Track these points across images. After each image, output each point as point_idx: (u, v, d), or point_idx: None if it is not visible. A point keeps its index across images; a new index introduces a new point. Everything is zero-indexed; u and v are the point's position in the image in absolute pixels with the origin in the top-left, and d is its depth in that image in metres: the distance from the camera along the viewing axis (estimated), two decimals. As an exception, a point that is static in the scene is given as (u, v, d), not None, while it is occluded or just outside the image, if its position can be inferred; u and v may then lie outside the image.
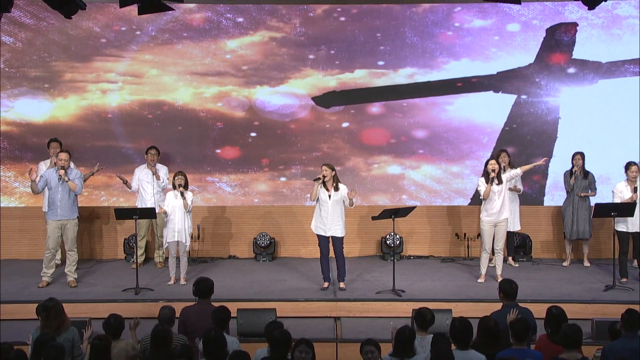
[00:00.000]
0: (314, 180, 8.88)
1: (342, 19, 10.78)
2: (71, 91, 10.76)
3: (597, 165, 10.10)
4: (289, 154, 10.85)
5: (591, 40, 10.69)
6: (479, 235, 10.15)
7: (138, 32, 10.71)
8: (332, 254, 8.98)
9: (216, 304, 6.68)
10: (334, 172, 8.80)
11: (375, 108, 10.84)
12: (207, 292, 6.90)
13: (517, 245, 10.35)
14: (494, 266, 9.26)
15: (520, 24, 10.73)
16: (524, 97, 10.75)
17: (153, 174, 9.94)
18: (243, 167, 10.87)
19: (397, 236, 10.38)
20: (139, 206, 9.83)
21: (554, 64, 10.72)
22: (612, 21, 10.64)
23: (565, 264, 10.16)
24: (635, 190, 9.13)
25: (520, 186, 10.09)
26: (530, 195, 10.65)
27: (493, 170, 8.96)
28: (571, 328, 5.60)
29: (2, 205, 10.67)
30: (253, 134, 10.84)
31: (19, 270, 9.83)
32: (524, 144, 10.74)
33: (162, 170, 10.09)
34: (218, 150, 10.86)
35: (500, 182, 8.99)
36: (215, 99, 10.81)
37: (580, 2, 8.69)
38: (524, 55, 10.71)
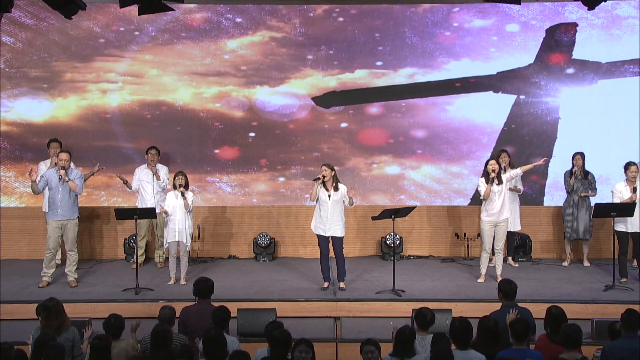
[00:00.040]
0: (314, 180, 8.89)
1: (342, 19, 10.78)
2: (71, 91, 10.77)
3: (596, 166, 10.10)
4: (289, 154, 10.86)
5: (591, 40, 10.70)
6: (478, 235, 10.17)
7: (138, 33, 10.72)
8: (332, 254, 8.99)
9: (216, 304, 6.68)
10: (333, 172, 8.81)
11: (375, 108, 10.85)
12: (207, 292, 6.91)
13: (517, 245, 10.36)
14: (494, 266, 9.26)
15: (520, 24, 10.73)
16: (523, 97, 10.75)
17: (153, 174, 9.95)
18: (243, 167, 10.88)
19: (397, 236, 10.39)
20: (139, 206, 9.83)
21: (554, 64, 10.72)
22: (612, 21, 10.65)
23: (565, 264, 10.16)
24: (634, 190, 9.14)
25: (520, 186, 10.09)
26: (530, 195, 10.66)
27: (493, 171, 8.97)
28: (571, 328, 5.60)
29: (2, 205, 10.67)
30: (253, 134, 10.85)
31: (19, 270, 9.84)
32: (523, 144, 10.74)
33: (162, 170, 10.10)
34: (218, 151, 10.87)
35: (500, 182, 9.00)
36: (215, 99, 10.82)
37: (580, 2, 8.71)
38: (523, 55, 10.72)
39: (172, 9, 8.92)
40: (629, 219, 9.06)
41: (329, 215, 8.79)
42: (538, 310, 7.02)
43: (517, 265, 10.18)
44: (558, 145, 10.72)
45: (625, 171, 9.29)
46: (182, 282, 9.16)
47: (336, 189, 8.82)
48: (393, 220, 8.84)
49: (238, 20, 10.77)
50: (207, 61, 10.78)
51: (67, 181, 8.87)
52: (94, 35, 10.73)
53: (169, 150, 10.67)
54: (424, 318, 6.16)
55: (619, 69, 10.65)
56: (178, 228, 9.09)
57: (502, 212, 9.06)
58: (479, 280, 9.26)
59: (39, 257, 9.70)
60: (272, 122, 10.84)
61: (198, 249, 10.66)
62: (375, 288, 8.91)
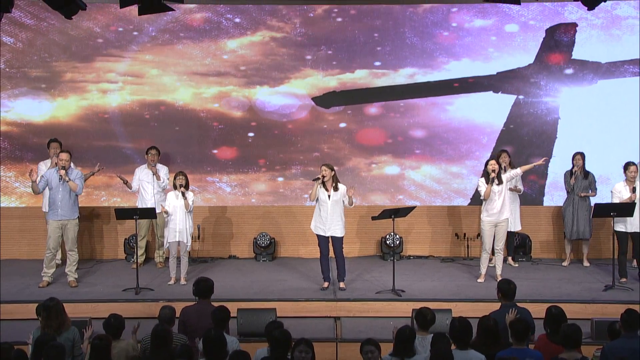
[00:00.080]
0: (313, 180, 8.89)
1: (343, 19, 10.79)
2: (71, 91, 10.78)
3: (596, 166, 10.11)
4: (289, 154, 10.87)
5: (591, 40, 10.71)
6: (478, 235, 10.18)
7: (138, 33, 10.73)
8: (331, 253, 8.99)
9: (216, 304, 6.69)
10: (333, 172, 8.81)
11: (375, 108, 10.85)
12: (207, 292, 6.91)
13: (517, 245, 10.36)
14: (494, 266, 9.27)
15: (519, 24, 10.74)
16: (523, 97, 10.76)
17: (153, 174, 9.96)
18: (243, 167, 10.88)
19: (397, 236, 10.40)
20: (140, 206, 9.84)
21: (554, 65, 10.73)
22: (612, 22, 10.66)
23: (564, 264, 10.17)
24: (633, 190, 9.14)
25: (520, 186, 10.10)
26: (529, 195, 10.66)
27: (493, 171, 8.98)
28: (571, 328, 5.60)
29: (2, 205, 10.68)
30: (253, 134, 10.85)
31: (19, 270, 9.84)
32: (523, 144, 10.74)
33: (163, 170, 10.10)
34: (218, 151, 10.87)
35: (500, 182, 9.00)
36: (215, 99, 10.82)
37: (579, 2, 8.72)
38: (523, 55, 10.72)
39: (172, 9, 8.94)
40: (628, 219, 9.06)
41: (329, 215, 8.80)
42: (538, 310, 7.03)
43: (517, 265, 10.18)
44: (558, 145, 10.73)
45: (625, 171, 9.29)
46: (182, 282, 9.16)
47: (336, 189, 8.82)
48: (393, 220, 8.84)
49: (238, 20, 10.78)
50: (207, 61, 10.79)
51: (67, 181, 8.87)
52: (94, 36, 10.73)
53: (169, 150, 10.68)
54: (424, 318, 6.17)
55: (618, 69, 10.65)
56: (178, 228, 9.09)
57: (502, 212, 9.06)
58: (479, 280, 9.27)
59: (39, 257, 9.70)
60: (272, 122, 10.84)
61: (198, 249, 10.67)
62: (375, 288, 8.92)
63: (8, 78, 10.69)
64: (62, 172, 8.85)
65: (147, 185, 9.97)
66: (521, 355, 5.44)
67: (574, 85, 10.71)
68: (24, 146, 10.77)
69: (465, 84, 10.74)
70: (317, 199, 8.86)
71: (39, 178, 8.88)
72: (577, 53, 10.71)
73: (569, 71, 10.71)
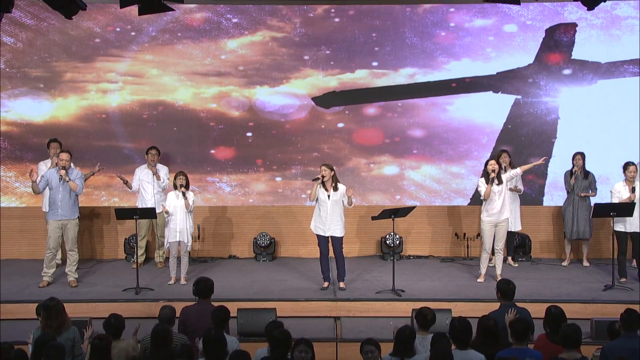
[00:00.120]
0: (313, 180, 8.89)
1: (343, 19, 10.79)
2: (71, 91, 10.78)
3: (596, 166, 10.11)
4: (289, 154, 10.87)
5: (590, 40, 10.71)
6: (478, 235, 10.18)
7: (138, 33, 10.73)
8: (331, 253, 9.00)
9: (216, 304, 6.69)
10: (333, 172, 8.81)
11: (375, 108, 10.85)
12: (207, 292, 6.92)
13: (517, 245, 10.37)
14: (494, 266, 9.28)
15: (519, 24, 10.74)
16: (521, 97, 10.76)
17: (153, 174, 9.96)
18: (243, 167, 10.89)
19: (397, 236, 10.40)
20: (140, 206, 9.84)
21: (553, 65, 10.74)
22: (611, 22, 10.66)
23: (564, 263, 10.17)
24: (633, 190, 9.15)
25: (520, 186, 10.10)
26: (529, 195, 10.67)
27: (493, 171, 8.98)
28: (570, 328, 5.60)
29: (2, 205, 10.69)
30: (253, 134, 10.86)
31: (19, 270, 9.84)
32: (523, 144, 10.75)
33: (163, 170, 10.11)
34: (218, 151, 10.87)
35: (500, 182, 9.00)
36: (215, 99, 10.83)
37: (579, 2, 8.73)
38: (523, 55, 10.73)
39: (172, 9, 8.95)
40: (627, 219, 9.06)
41: (329, 215, 8.80)
42: (538, 310, 7.03)
43: (516, 265, 10.19)
44: (557, 145, 10.73)
45: (624, 171, 9.30)
46: (183, 282, 9.17)
47: (335, 189, 8.82)
48: (393, 220, 8.85)
49: (238, 20, 10.78)
50: (207, 61, 10.79)
51: (67, 181, 8.88)
52: (94, 36, 10.74)
53: (169, 150, 10.68)
54: (424, 318, 6.17)
55: (618, 69, 10.66)
56: (179, 228, 9.10)
57: (502, 212, 9.07)
58: (479, 280, 9.27)
59: (39, 257, 9.71)
60: (272, 122, 10.85)
61: (198, 248, 10.67)
62: (375, 288, 8.92)
63: (8, 78, 10.70)
64: (62, 172, 8.86)
65: (147, 185, 9.97)
66: (521, 355, 5.45)
67: (573, 86, 10.72)
68: (24, 146, 10.78)
69: (465, 84, 10.74)
70: (317, 199, 8.86)
71: (39, 178, 8.89)
72: (577, 53, 10.71)
73: (568, 71, 10.71)
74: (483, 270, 9.29)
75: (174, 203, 9.10)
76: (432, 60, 10.76)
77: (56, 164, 9.12)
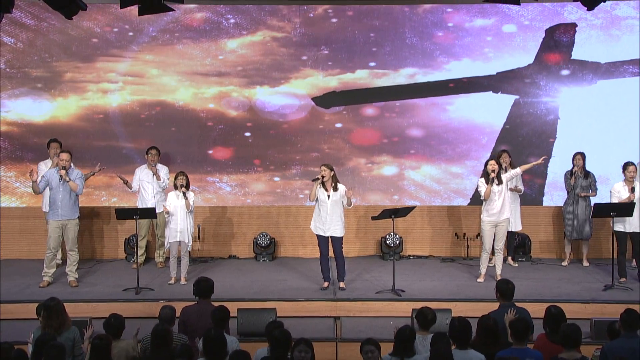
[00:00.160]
0: (313, 180, 8.90)
1: (343, 19, 10.79)
2: (72, 91, 10.79)
3: (596, 166, 10.11)
4: (289, 154, 10.88)
5: (590, 40, 10.72)
6: (478, 235, 10.19)
7: (139, 33, 10.73)
8: (331, 253, 9.00)
9: (216, 304, 6.70)
10: (332, 172, 8.82)
11: (375, 108, 10.86)
12: (208, 292, 6.92)
13: (517, 245, 10.37)
14: (494, 266, 9.28)
15: (519, 24, 10.75)
16: (521, 97, 10.76)
17: (153, 174, 9.97)
18: (243, 167, 10.89)
19: (397, 236, 10.41)
20: (140, 206, 9.85)
21: (553, 65, 10.74)
22: (611, 22, 10.67)
23: (564, 263, 10.18)
24: (632, 190, 9.15)
25: (521, 186, 10.10)
26: (529, 195, 10.67)
27: (493, 171, 8.98)
28: (570, 328, 5.60)
29: (2, 205, 10.69)
30: (253, 134, 10.86)
31: (19, 270, 9.85)
32: (523, 144, 10.75)
33: (163, 170, 10.11)
34: (217, 151, 10.88)
35: (500, 182, 9.01)
36: (215, 99, 10.83)
37: (579, 2, 8.73)
38: (523, 55, 10.73)
39: (172, 10, 8.95)
40: (627, 219, 9.06)
41: (328, 215, 8.81)
42: (537, 310, 7.04)
43: (516, 265, 10.19)
44: (557, 145, 10.74)
45: (624, 171, 9.30)
46: (183, 282, 9.17)
47: (335, 189, 8.83)
48: (393, 220, 8.86)
49: (238, 20, 10.78)
50: (208, 61, 10.80)
51: (67, 181, 8.89)
52: (95, 36, 10.74)
53: (169, 150, 10.69)
54: (425, 318, 6.17)
55: (618, 70, 10.66)
56: (179, 228, 9.10)
57: (502, 212, 9.07)
58: (479, 280, 9.28)
59: (39, 257, 9.72)
60: (272, 122, 10.86)
61: (198, 248, 10.68)
62: (375, 288, 8.93)
63: (8, 78, 10.70)
64: (63, 172, 8.86)
65: (148, 185, 9.98)
66: (521, 355, 5.45)
67: (573, 86, 10.72)
68: (24, 146, 10.78)
69: (464, 84, 10.74)
70: (317, 199, 8.87)
71: (39, 178, 8.90)
72: (577, 53, 10.72)
73: (568, 71, 10.72)
74: (483, 270, 9.30)
75: (175, 203, 9.10)
76: (432, 60, 10.76)
77: (56, 164, 9.12)
